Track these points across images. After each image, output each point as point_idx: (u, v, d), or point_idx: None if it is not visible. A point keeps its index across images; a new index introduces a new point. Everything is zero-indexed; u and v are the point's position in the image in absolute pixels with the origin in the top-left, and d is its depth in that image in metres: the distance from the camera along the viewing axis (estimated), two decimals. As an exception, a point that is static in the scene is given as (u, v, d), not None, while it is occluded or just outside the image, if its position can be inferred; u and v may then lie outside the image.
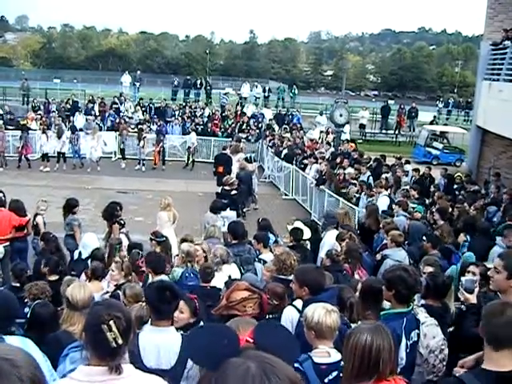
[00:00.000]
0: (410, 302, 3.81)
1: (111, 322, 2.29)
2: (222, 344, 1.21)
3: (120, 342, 2.27)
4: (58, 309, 4.53)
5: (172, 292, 3.45)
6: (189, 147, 19.91)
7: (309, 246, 7.70)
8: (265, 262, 6.40)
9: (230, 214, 10.65)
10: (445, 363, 3.96)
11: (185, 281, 5.53)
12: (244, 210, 13.82)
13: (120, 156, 19.66)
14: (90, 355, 2.37)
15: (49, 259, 6.28)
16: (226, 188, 11.71)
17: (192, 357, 1.29)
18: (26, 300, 4.78)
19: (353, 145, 18.61)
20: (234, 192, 11.68)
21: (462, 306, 4.32)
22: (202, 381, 1.19)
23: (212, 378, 1.14)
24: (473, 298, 4.06)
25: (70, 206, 8.83)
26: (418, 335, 3.82)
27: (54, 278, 5.98)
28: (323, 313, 3.23)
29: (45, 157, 17.97)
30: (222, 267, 5.78)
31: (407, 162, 15.79)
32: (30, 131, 18.71)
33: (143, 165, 18.87)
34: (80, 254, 7.31)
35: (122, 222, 8.26)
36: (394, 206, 9.77)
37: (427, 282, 4.55)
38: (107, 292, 5.52)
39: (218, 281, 5.30)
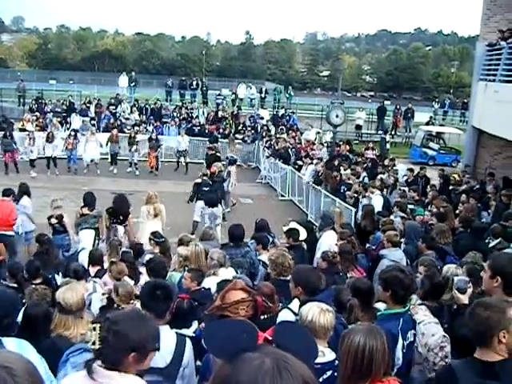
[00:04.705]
0: (406, 302, 3.81)
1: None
2: (241, 338, 1.21)
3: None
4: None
5: (165, 291, 3.42)
6: (179, 150, 19.28)
7: (305, 247, 7.69)
8: (264, 262, 6.41)
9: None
10: (447, 360, 3.94)
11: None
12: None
13: (110, 161, 19.13)
14: None
15: (30, 265, 6.00)
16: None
17: (209, 347, 1.30)
18: (24, 301, 4.67)
19: (347, 146, 18.61)
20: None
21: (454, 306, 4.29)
22: (217, 371, 1.20)
23: (226, 370, 1.15)
24: (465, 299, 3.98)
25: (94, 200, 8.71)
26: (415, 335, 3.83)
27: (38, 281, 5.77)
28: (317, 312, 3.25)
29: (33, 161, 17.47)
30: (218, 271, 5.73)
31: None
32: (14, 134, 18.17)
33: (136, 168, 18.74)
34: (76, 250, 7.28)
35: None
36: (394, 209, 9.75)
37: (423, 282, 4.55)
38: (91, 293, 5.47)
39: (214, 284, 5.23)
